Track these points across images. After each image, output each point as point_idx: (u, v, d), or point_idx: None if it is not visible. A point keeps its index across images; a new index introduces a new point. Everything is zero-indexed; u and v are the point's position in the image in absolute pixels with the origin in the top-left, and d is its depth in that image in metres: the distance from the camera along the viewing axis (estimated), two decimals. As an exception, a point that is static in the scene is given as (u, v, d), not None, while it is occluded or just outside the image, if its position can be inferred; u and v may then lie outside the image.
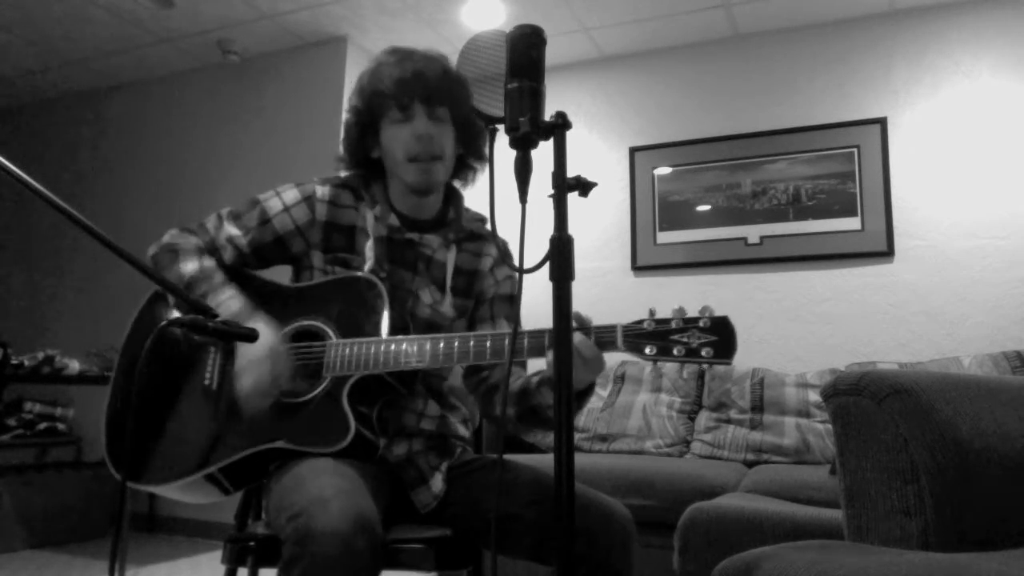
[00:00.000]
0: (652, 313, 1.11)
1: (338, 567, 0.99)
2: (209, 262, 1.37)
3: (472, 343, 1.21)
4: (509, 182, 0.93)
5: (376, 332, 1.28)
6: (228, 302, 1.30)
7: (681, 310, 1.10)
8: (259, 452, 1.26)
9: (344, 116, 1.45)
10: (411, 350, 1.24)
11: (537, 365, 1.28)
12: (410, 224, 1.44)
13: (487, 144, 1.46)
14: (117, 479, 1.27)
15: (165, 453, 1.31)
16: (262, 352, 1.24)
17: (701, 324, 1.07)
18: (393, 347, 1.25)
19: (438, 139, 1.38)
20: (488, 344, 1.20)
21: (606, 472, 2.47)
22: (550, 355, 1.15)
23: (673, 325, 1.09)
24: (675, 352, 1.07)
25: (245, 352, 1.26)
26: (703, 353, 1.06)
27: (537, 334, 1.17)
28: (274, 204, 1.41)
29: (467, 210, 1.52)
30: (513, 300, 1.50)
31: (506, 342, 1.19)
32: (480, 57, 1.27)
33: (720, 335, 1.06)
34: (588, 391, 1.27)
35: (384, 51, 1.42)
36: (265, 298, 1.37)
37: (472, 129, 1.45)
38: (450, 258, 1.44)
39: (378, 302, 1.30)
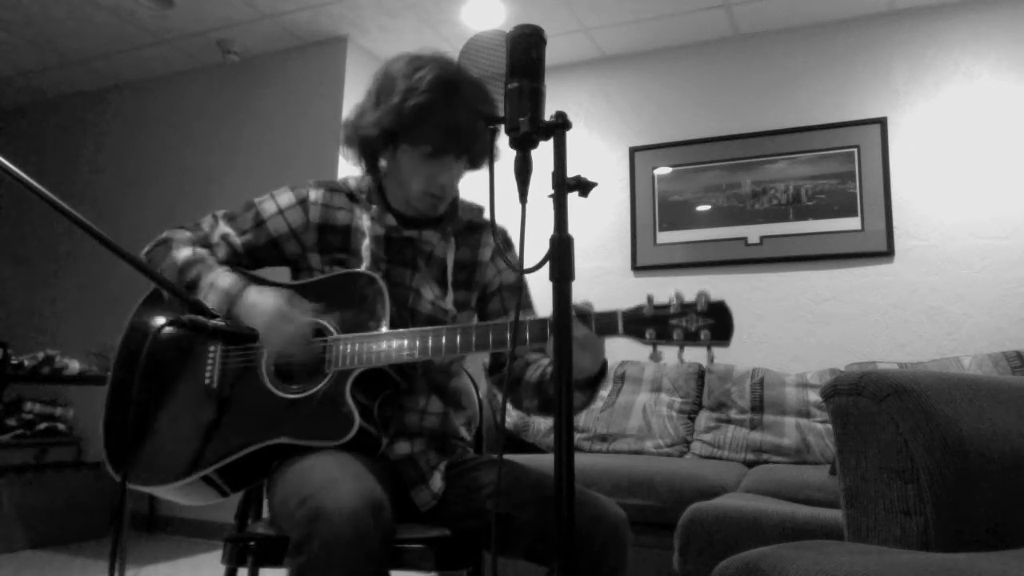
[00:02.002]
0: (650, 299, 1.13)
1: (350, 547, 0.99)
2: (201, 250, 1.38)
3: (474, 334, 1.22)
4: (509, 182, 0.93)
5: (377, 327, 1.29)
6: (220, 279, 1.31)
7: (679, 295, 1.11)
8: (260, 450, 1.26)
9: (368, 110, 1.38)
10: (413, 343, 1.25)
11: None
12: (407, 222, 1.44)
13: (489, 142, 1.46)
14: (116, 480, 1.27)
15: (165, 454, 1.31)
16: (275, 315, 1.25)
17: (698, 308, 1.09)
18: (395, 341, 1.25)
19: (455, 184, 1.41)
20: (490, 334, 1.21)
21: (606, 472, 2.47)
22: (550, 343, 1.16)
23: (671, 310, 1.10)
24: (674, 336, 1.09)
25: (256, 318, 1.26)
26: (701, 336, 1.08)
27: (538, 322, 1.18)
28: (269, 207, 1.42)
29: (462, 201, 1.52)
30: (521, 288, 1.51)
31: (507, 332, 1.20)
32: (480, 57, 1.27)
33: (717, 318, 1.08)
34: (599, 380, 1.27)
35: (436, 78, 1.31)
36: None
37: (482, 155, 1.42)
38: (450, 253, 1.45)
39: (378, 297, 1.31)
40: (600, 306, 1.18)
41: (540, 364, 1.42)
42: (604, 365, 1.27)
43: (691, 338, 1.08)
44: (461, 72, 1.37)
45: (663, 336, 1.10)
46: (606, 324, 1.15)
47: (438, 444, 1.42)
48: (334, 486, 1.05)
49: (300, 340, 1.28)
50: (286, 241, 1.41)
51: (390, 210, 1.44)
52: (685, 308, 1.10)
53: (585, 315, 1.16)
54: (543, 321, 1.18)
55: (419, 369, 1.38)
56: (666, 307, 1.11)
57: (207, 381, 1.34)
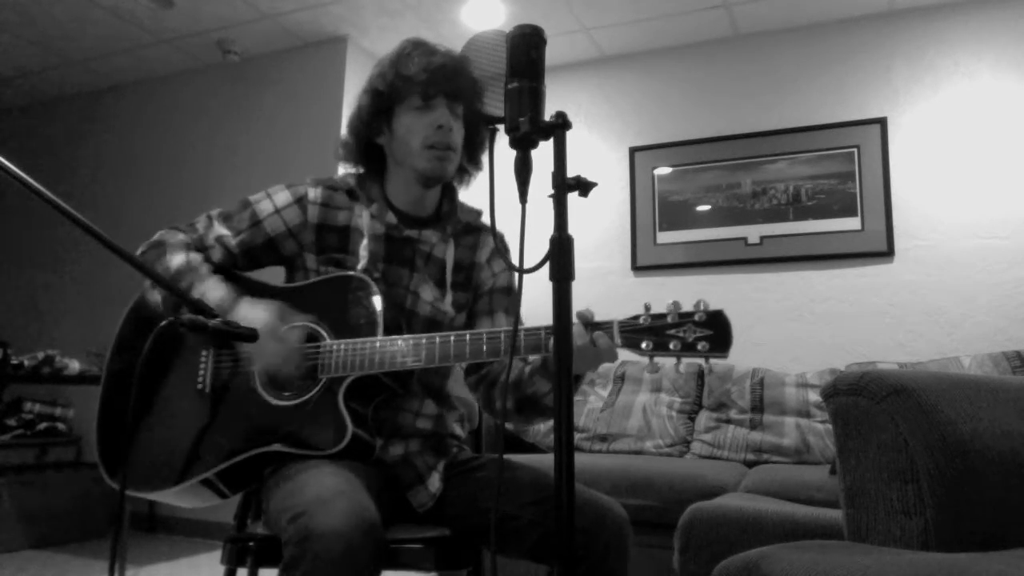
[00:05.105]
0: (648, 308, 1.12)
1: (340, 567, 0.99)
2: (196, 256, 1.36)
3: (469, 342, 1.21)
4: (509, 182, 0.93)
5: (371, 332, 1.27)
6: (211, 291, 1.29)
7: (676, 304, 1.10)
8: (255, 456, 1.25)
9: (357, 99, 1.43)
10: (407, 349, 1.23)
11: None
12: (408, 221, 1.43)
13: (485, 152, 1.47)
14: (112, 486, 1.27)
15: (159, 460, 1.29)
16: (266, 332, 1.23)
17: (696, 318, 1.08)
18: (389, 347, 1.24)
19: (455, 131, 1.38)
20: (484, 343, 1.20)
21: (606, 472, 2.47)
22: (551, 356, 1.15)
23: (669, 320, 1.09)
24: (671, 347, 1.08)
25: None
26: (699, 347, 1.06)
27: (534, 331, 1.17)
28: (265, 206, 1.40)
29: (462, 203, 1.51)
30: (511, 293, 1.50)
31: (501, 340, 1.19)
32: (480, 57, 1.27)
33: (715, 329, 1.07)
34: (577, 380, 1.27)
35: (408, 41, 1.41)
36: (255, 297, 1.36)
37: (477, 136, 1.45)
38: (449, 253, 1.44)
39: (371, 301, 1.29)
40: (600, 306, 1.17)
41: (516, 366, 1.41)
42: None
43: (688, 349, 1.07)
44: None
45: (660, 347, 1.08)
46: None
47: (433, 444, 1.41)
48: (324, 505, 1.04)
49: (289, 360, 1.26)
50: (283, 241, 1.39)
51: (391, 208, 1.43)
52: (683, 318, 1.08)
53: (587, 324, 1.15)
54: (537, 331, 1.17)
55: (414, 373, 1.37)
56: (663, 317, 1.09)
57: (199, 385, 1.32)
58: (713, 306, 1.08)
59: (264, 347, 1.24)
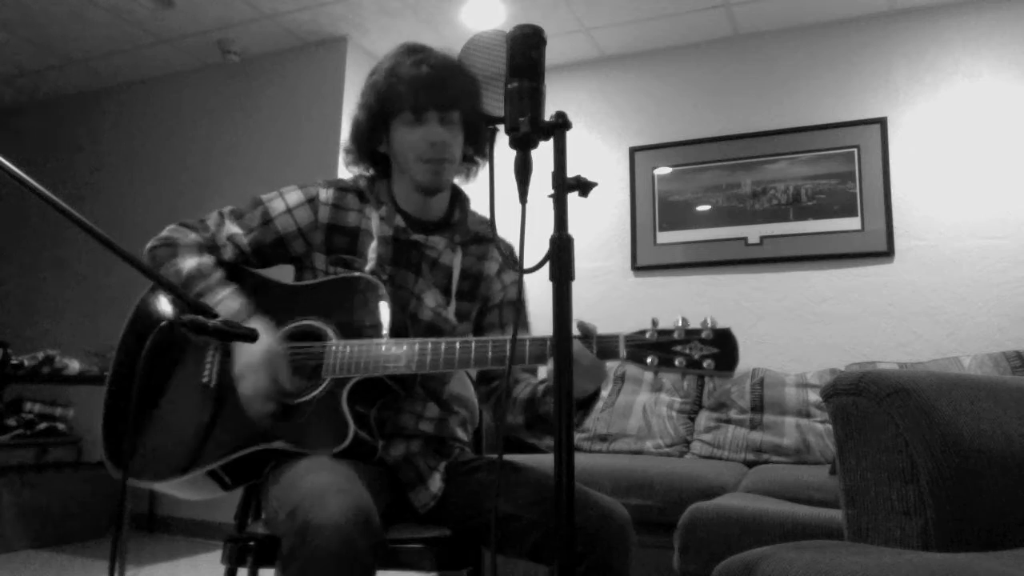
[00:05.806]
0: (655, 323, 1.12)
1: (337, 560, 0.99)
2: (208, 259, 1.36)
3: (473, 349, 1.21)
4: (509, 182, 0.93)
5: (376, 333, 1.27)
6: (225, 302, 1.29)
7: (684, 320, 1.10)
8: (258, 451, 1.26)
9: (355, 110, 1.43)
10: (412, 354, 1.23)
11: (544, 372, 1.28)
12: (416, 225, 1.43)
13: (489, 142, 1.46)
14: (115, 477, 1.27)
15: (164, 450, 1.30)
16: (260, 356, 1.23)
17: (703, 335, 1.08)
18: (394, 350, 1.24)
19: (450, 144, 1.37)
20: (489, 350, 1.20)
21: (606, 472, 2.47)
22: (551, 363, 1.15)
23: (675, 336, 1.09)
24: (676, 363, 1.08)
25: (242, 355, 1.25)
26: (704, 364, 1.07)
27: (539, 341, 1.17)
28: (277, 205, 1.40)
29: (473, 212, 1.51)
30: (520, 306, 1.50)
31: (507, 348, 1.19)
32: (480, 57, 1.27)
33: (722, 347, 1.07)
34: (592, 399, 1.27)
35: (400, 48, 1.40)
36: (264, 296, 1.37)
37: (479, 130, 1.44)
38: (456, 261, 1.43)
39: (379, 303, 1.30)
40: (600, 306, 1.17)
41: (530, 382, 1.40)
42: (596, 392, 1.27)
43: (694, 366, 1.07)
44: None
45: (665, 363, 1.08)
46: (608, 347, 1.14)
47: (435, 446, 1.41)
48: (322, 499, 1.04)
49: (263, 399, 1.24)
50: (293, 240, 1.40)
51: (400, 211, 1.43)
52: (689, 334, 1.08)
53: (588, 336, 1.15)
54: (543, 340, 1.17)
55: (417, 376, 1.37)
56: (670, 332, 1.09)
57: (205, 379, 1.33)
58: (717, 313, 1.09)
59: (250, 374, 1.24)
